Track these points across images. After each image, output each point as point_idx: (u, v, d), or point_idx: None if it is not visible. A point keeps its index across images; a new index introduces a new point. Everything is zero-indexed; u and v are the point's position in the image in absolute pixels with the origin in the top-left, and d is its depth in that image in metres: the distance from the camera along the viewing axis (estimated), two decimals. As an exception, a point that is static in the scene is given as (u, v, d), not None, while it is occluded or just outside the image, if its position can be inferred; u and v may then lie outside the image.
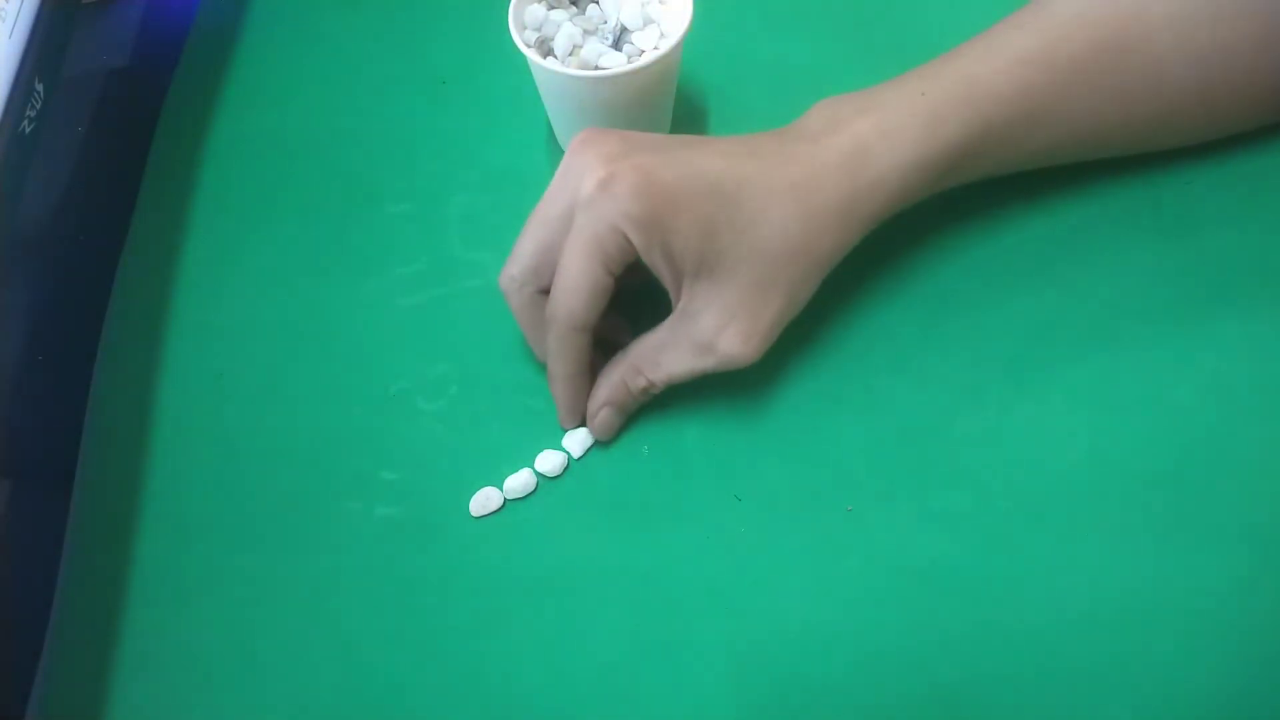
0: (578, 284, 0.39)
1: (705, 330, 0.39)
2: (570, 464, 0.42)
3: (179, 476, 0.43)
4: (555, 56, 0.46)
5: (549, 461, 0.42)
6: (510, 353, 0.45)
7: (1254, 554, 0.38)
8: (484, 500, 0.41)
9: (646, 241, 0.38)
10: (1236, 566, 0.38)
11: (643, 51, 0.45)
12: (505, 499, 0.41)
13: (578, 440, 0.42)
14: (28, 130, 0.42)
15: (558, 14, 0.47)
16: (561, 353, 0.41)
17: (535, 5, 0.47)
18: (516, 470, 0.42)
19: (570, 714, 0.37)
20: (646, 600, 0.39)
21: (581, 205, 0.38)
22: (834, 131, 0.40)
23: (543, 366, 0.43)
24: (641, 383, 0.41)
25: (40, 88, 0.43)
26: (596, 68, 0.45)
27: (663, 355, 0.41)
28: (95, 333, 0.47)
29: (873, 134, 0.40)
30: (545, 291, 0.40)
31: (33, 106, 0.42)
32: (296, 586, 0.40)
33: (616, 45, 0.46)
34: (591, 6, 0.47)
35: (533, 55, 0.45)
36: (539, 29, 0.46)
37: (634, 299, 0.42)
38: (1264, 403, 0.41)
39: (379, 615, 0.39)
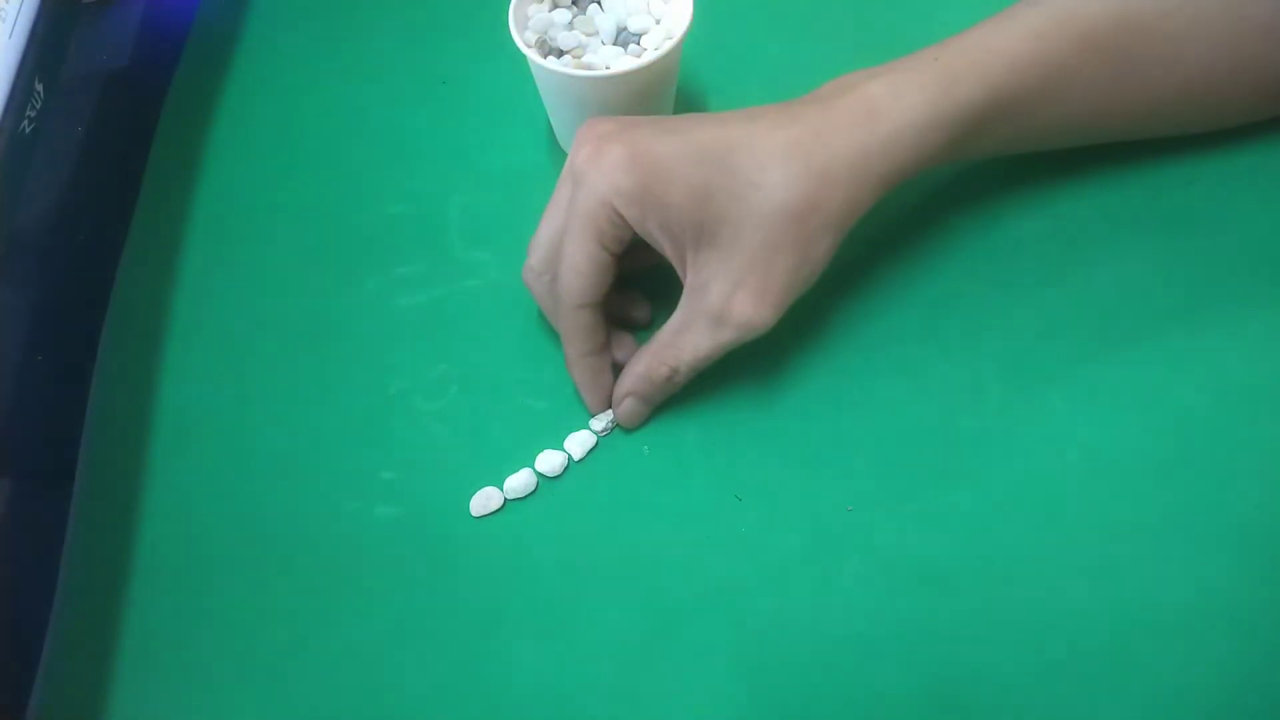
0: (576, 262, 0.39)
1: (715, 301, 0.38)
2: (570, 464, 0.42)
3: (179, 476, 0.43)
4: (556, 56, 0.46)
5: (549, 461, 0.42)
6: (510, 353, 0.45)
7: (1253, 554, 0.38)
8: (484, 500, 0.41)
9: (639, 215, 0.38)
10: (1236, 566, 0.38)
11: (644, 51, 0.45)
12: (505, 499, 0.41)
13: (578, 440, 0.42)
14: (28, 130, 0.42)
15: (559, 14, 0.47)
16: (571, 332, 0.41)
17: (535, 5, 0.47)
18: (516, 470, 0.42)
19: (570, 713, 0.37)
20: (646, 600, 0.39)
21: (576, 184, 0.38)
22: (844, 94, 0.39)
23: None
24: (664, 371, 0.40)
25: (40, 88, 0.43)
26: (596, 68, 0.45)
27: (681, 338, 0.40)
28: (95, 333, 0.47)
29: (885, 94, 0.39)
30: None
31: (33, 106, 0.42)
32: (296, 586, 0.40)
33: (618, 44, 0.46)
34: (592, 6, 0.47)
35: (533, 55, 0.45)
36: (539, 29, 0.46)
37: (660, 275, 0.42)
38: (1264, 403, 0.41)
39: (379, 615, 0.39)
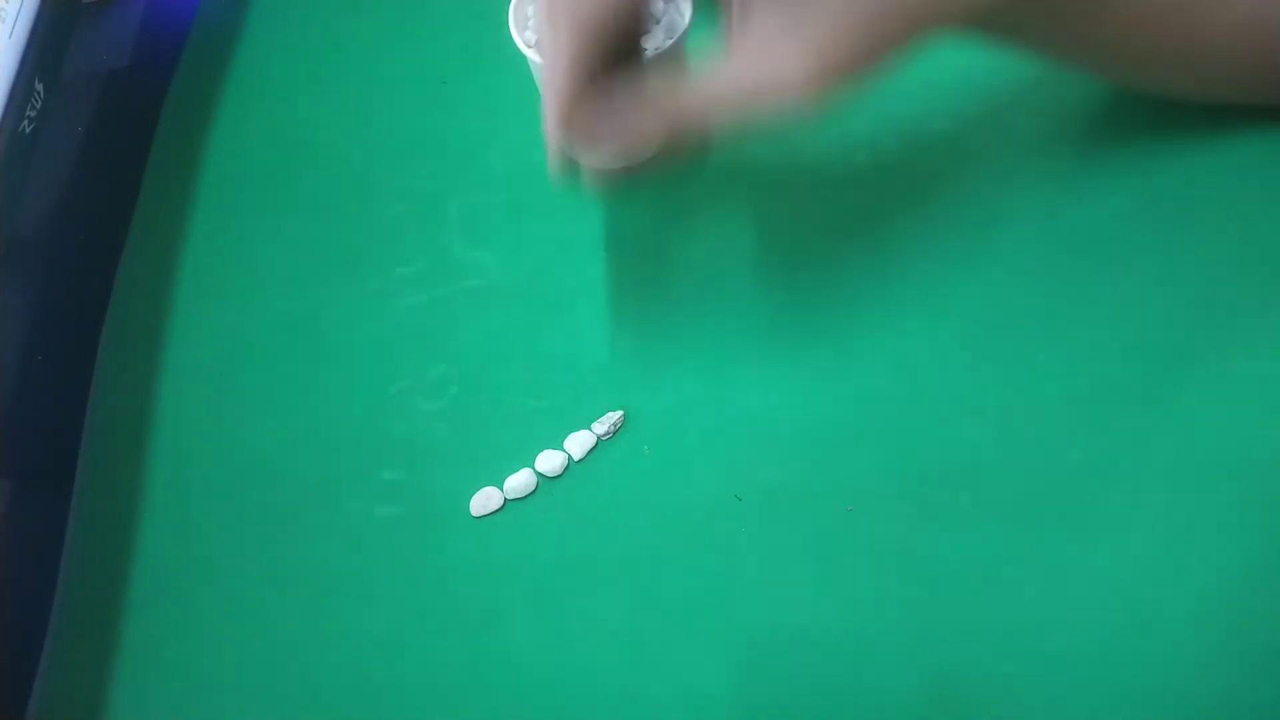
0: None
1: (755, 47, 0.32)
2: (570, 464, 0.42)
3: (179, 476, 0.43)
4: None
5: (549, 461, 0.42)
6: (510, 353, 0.45)
7: (1254, 553, 0.38)
8: (484, 500, 0.41)
9: None
10: (1236, 566, 0.38)
11: (645, 51, 0.45)
12: (505, 499, 0.41)
13: (578, 440, 0.42)
14: (28, 130, 0.42)
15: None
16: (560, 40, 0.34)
17: (536, 5, 0.47)
18: (516, 470, 0.42)
19: (570, 713, 0.37)
20: (646, 600, 0.39)
21: None
22: None
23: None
24: (674, 110, 0.34)
25: (40, 88, 0.43)
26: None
27: (704, 84, 0.34)
28: (95, 333, 0.47)
29: None
30: None
31: (33, 106, 0.42)
32: (297, 586, 0.40)
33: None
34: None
35: (533, 55, 0.45)
36: (539, 29, 0.46)
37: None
38: (1265, 402, 0.41)
39: (379, 614, 0.39)
